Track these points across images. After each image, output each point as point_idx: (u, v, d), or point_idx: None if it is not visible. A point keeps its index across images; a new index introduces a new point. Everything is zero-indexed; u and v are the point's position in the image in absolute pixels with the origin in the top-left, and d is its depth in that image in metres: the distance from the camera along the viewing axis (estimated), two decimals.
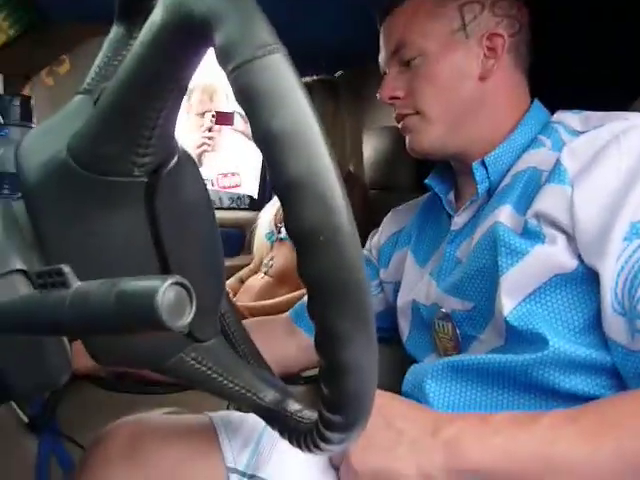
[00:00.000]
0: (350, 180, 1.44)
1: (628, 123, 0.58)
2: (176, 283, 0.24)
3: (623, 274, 0.53)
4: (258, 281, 1.53)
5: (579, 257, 0.56)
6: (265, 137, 0.26)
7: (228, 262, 1.89)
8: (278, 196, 0.27)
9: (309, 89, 1.42)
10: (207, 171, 2.15)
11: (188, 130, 2.17)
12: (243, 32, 0.27)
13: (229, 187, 2.23)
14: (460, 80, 0.69)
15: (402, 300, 0.81)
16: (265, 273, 1.54)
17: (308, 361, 0.91)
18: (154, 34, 0.30)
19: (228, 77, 0.27)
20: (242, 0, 0.28)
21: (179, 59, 0.30)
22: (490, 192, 0.69)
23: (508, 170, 0.68)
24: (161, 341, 0.43)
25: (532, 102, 0.72)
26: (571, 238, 0.56)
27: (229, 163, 2.23)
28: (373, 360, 0.31)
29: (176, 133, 0.37)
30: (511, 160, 0.68)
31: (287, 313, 0.93)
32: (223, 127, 2.16)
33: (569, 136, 0.62)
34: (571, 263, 0.57)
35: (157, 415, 0.65)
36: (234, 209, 2.12)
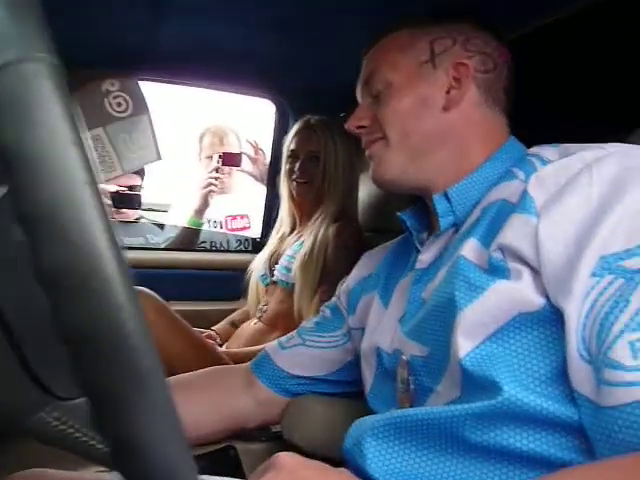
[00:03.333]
0: (344, 221, 1.39)
1: (602, 152, 0.53)
2: None
3: (592, 315, 0.46)
4: (250, 327, 1.48)
5: (546, 295, 0.50)
6: (5, 157, 0.22)
7: (230, 306, 1.85)
8: (22, 230, 0.22)
9: (331, 128, 1.41)
10: (215, 213, 2.13)
11: (199, 173, 2.19)
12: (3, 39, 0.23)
13: (237, 229, 2.20)
14: (423, 110, 0.67)
15: (365, 344, 0.75)
16: (259, 319, 1.48)
17: (268, 416, 0.85)
18: None
19: None
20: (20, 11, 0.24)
21: None
22: (457, 227, 0.65)
23: (477, 204, 0.64)
24: (15, 398, 0.38)
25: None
26: (537, 273, 0.50)
27: (238, 205, 2.22)
28: (166, 432, 0.25)
29: None
30: (479, 193, 0.64)
31: (248, 363, 0.87)
32: (234, 169, 2.16)
33: (542, 166, 0.57)
34: (537, 301, 0.50)
35: (54, 471, 0.60)
36: (240, 252, 2.09)
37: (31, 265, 0.36)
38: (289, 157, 1.50)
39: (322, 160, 1.42)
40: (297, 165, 1.46)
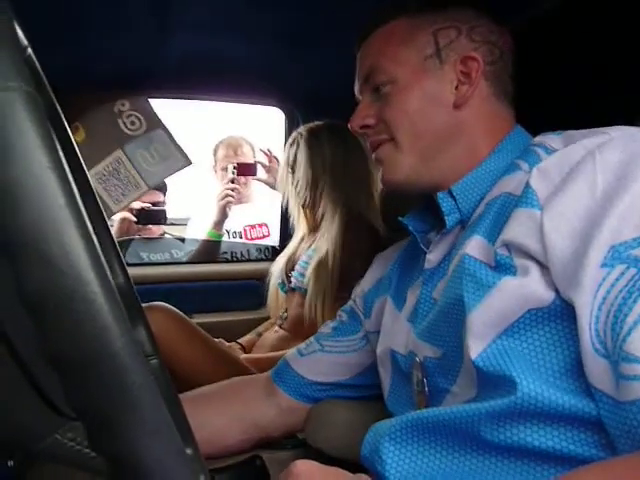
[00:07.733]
0: (360, 223, 1.38)
1: (605, 137, 0.51)
2: None
3: (605, 307, 0.44)
4: (272, 335, 1.48)
5: (556, 289, 0.48)
6: None
7: (253, 315, 1.86)
8: (6, 257, 0.23)
9: (318, 134, 1.40)
10: (234, 223, 2.15)
11: (215, 185, 2.21)
12: None
13: (257, 238, 2.21)
14: (433, 108, 0.64)
15: (381, 348, 0.74)
16: (280, 326, 1.48)
17: (291, 424, 0.85)
18: None
19: None
20: None
21: None
22: (464, 224, 0.64)
23: (482, 199, 0.62)
24: (30, 423, 0.39)
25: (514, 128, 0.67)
26: (545, 268, 0.49)
27: (257, 214, 2.23)
28: (162, 448, 0.25)
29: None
30: (484, 188, 0.62)
31: (268, 372, 0.87)
32: (249, 179, 2.17)
33: (547, 156, 0.56)
34: (546, 296, 0.49)
35: None
36: (261, 260, 2.09)
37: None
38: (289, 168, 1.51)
39: (311, 171, 1.41)
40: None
